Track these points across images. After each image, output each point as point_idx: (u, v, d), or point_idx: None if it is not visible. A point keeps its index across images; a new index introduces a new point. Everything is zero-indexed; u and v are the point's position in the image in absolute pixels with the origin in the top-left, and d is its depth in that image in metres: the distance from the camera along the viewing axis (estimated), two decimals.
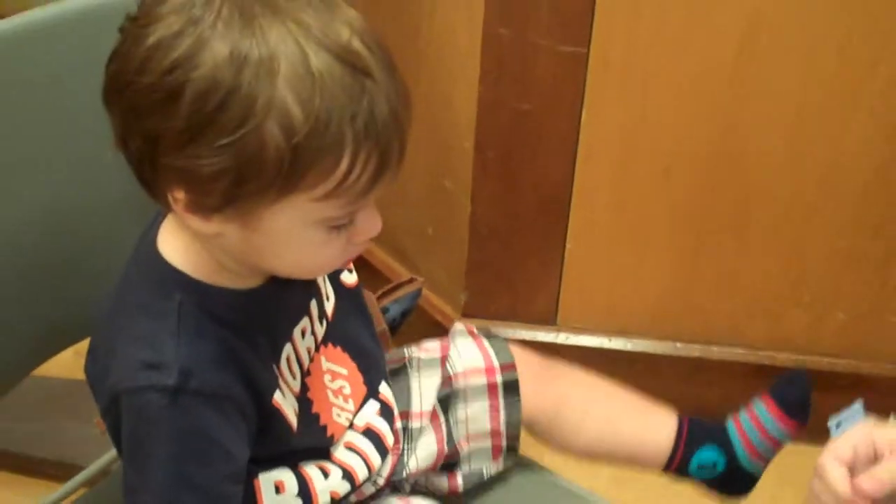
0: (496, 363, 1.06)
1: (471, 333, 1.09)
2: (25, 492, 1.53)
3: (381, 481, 0.99)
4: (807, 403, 1.03)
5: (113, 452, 1.14)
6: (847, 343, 1.62)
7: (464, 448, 1.06)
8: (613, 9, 1.39)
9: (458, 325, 1.11)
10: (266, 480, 0.90)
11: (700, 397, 1.52)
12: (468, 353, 1.07)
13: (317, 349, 0.93)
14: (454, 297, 1.67)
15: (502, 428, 1.06)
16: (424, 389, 1.06)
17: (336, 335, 0.95)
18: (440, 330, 1.57)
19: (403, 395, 1.06)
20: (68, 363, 1.56)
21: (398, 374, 1.08)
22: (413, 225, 1.71)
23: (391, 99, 0.72)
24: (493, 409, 1.06)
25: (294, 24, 0.69)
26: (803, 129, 1.46)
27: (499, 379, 1.06)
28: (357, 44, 0.71)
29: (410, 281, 1.50)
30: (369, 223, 0.79)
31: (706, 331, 1.64)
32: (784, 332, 1.62)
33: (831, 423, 0.91)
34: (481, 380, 1.06)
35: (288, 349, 0.88)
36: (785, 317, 1.62)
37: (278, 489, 0.90)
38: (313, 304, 0.92)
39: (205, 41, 0.69)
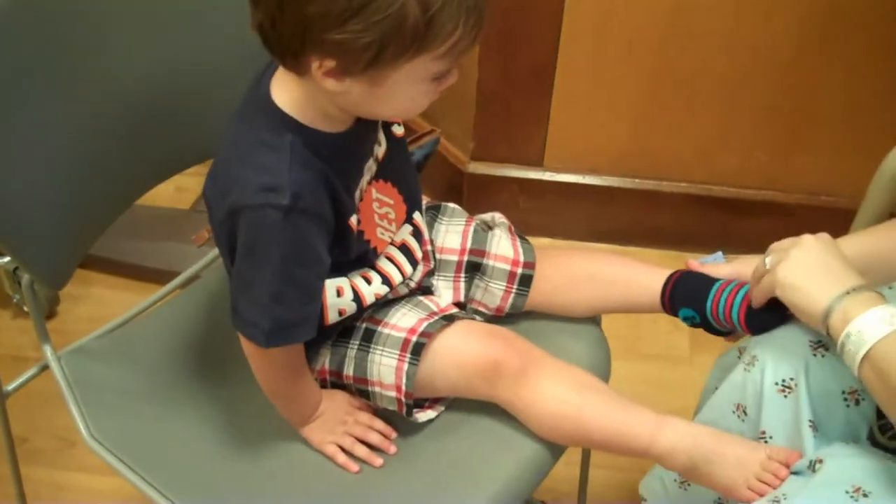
0: (521, 259, 1.13)
1: (510, 230, 1.15)
2: (137, 292, 1.68)
3: (412, 284, 1.08)
4: (768, 329, 1.01)
5: (202, 262, 1.28)
6: (767, 178, 1.78)
7: (470, 306, 1.15)
8: None
9: (501, 219, 1.17)
10: (329, 286, 0.99)
11: (654, 220, 1.82)
12: (504, 244, 1.13)
13: (370, 182, 1.01)
14: (464, 145, 1.82)
15: (507, 308, 1.14)
16: (450, 233, 1.15)
17: (387, 172, 1.03)
18: (454, 170, 1.81)
19: (431, 230, 1.15)
20: (169, 195, 1.80)
21: (430, 212, 1.16)
22: None
23: None
24: (507, 291, 1.13)
25: None
26: (739, 13, 1.58)
27: (519, 271, 1.12)
28: None
29: (431, 132, 1.73)
30: (455, 74, 0.89)
31: (659, 169, 1.80)
32: (719, 169, 1.78)
33: (697, 262, 1.09)
34: (507, 267, 1.12)
35: (361, 181, 0.99)
36: (719, 158, 1.77)
37: (339, 293, 1.01)
38: (374, 148, 1.01)
39: None
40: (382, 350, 1.03)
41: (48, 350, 1.11)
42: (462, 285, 1.14)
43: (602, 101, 1.73)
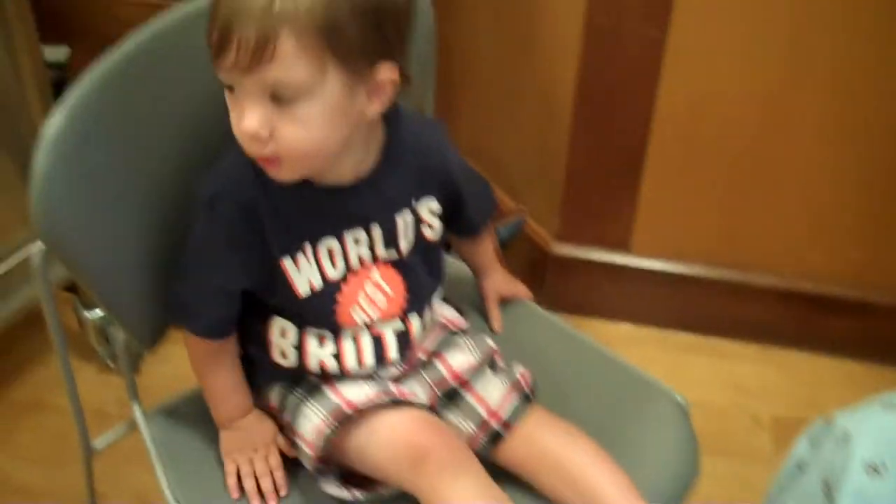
0: (503, 416, 1.04)
1: (513, 387, 1.06)
2: None
3: (377, 378, 1.04)
4: None
5: None
6: (857, 276, 1.73)
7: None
8: (690, 4, 1.51)
9: (519, 369, 1.09)
10: (275, 323, 1.01)
11: (738, 312, 1.79)
12: (494, 390, 1.06)
13: (374, 261, 1.00)
14: (549, 224, 1.81)
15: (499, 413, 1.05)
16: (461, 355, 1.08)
17: (402, 266, 1.02)
18: (538, 250, 1.81)
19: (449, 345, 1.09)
20: None
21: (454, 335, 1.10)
22: (522, 167, 1.83)
23: None
24: (474, 437, 1.05)
25: None
26: (837, 105, 1.55)
27: (494, 425, 1.05)
28: None
29: (518, 210, 1.79)
30: None
31: (746, 260, 1.76)
32: (808, 264, 1.74)
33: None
34: (482, 413, 1.05)
35: (330, 242, 0.97)
36: (809, 252, 1.73)
37: (283, 334, 1.01)
38: (377, 228, 0.98)
39: None
40: (316, 409, 1.01)
41: (138, 410, 1.12)
42: (438, 402, 1.08)
43: (692, 188, 1.72)
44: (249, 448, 1.05)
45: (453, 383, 1.07)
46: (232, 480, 1.05)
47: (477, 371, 1.07)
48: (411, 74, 0.92)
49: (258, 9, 0.80)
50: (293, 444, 1.05)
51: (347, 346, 1.02)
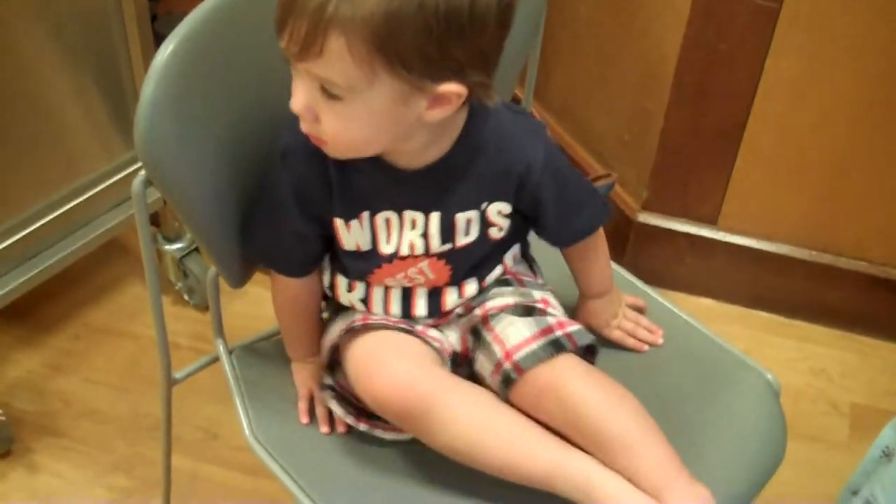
0: (515, 357, 1.00)
1: (544, 330, 1.01)
2: None
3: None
4: None
5: None
6: None
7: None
8: None
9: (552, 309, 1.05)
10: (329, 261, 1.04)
11: (825, 296, 1.76)
12: (513, 330, 1.02)
13: (426, 253, 0.99)
14: (637, 193, 1.79)
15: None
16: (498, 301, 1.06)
17: (451, 256, 1.00)
18: (623, 217, 1.79)
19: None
20: None
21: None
22: (613, 133, 1.81)
23: None
24: (491, 376, 1.02)
25: None
26: None
27: (505, 366, 1.00)
28: None
29: (607, 175, 1.76)
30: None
31: (837, 244, 1.73)
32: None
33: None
34: (498, 352, 1.01)
35: (390, 215, 0.97)
36: None
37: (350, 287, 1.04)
38: (435, 219, 0.97)
39: None
40: (339, 324, 1.04)
41: (221, 345, 1.13)
42: (469, 342, 1.06)
43: (787, 167, 1.69)
44: (321, 378, 1.07)
45: (479, 323, 1.04)
46: (304, 405, 1.07)
47: (506, 312, 1.03)
48: (490, 84, 0.88)
49: (315, 4, 0.79)
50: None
51: (376, 295, 1.03)
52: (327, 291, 1.07)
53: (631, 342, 1.14)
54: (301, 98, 0.86)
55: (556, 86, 1.90)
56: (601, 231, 1.10)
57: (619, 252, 1.80)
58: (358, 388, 0.97)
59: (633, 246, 1.82)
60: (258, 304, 1.70)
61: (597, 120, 1.84)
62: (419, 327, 1.03)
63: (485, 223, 0.99)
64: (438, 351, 1.01)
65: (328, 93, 0.84)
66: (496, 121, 0.95)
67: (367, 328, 1.00)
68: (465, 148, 0.94)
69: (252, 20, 0.96)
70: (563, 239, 1.09)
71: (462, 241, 0.99)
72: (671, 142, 1.71)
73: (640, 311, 1.19)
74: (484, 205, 0.98)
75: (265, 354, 1.16)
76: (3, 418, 1.51)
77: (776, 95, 1.61)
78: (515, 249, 1.09)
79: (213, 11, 0.94)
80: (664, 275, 1.82)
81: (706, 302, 1.84)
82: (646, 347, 1.15)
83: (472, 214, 0.98)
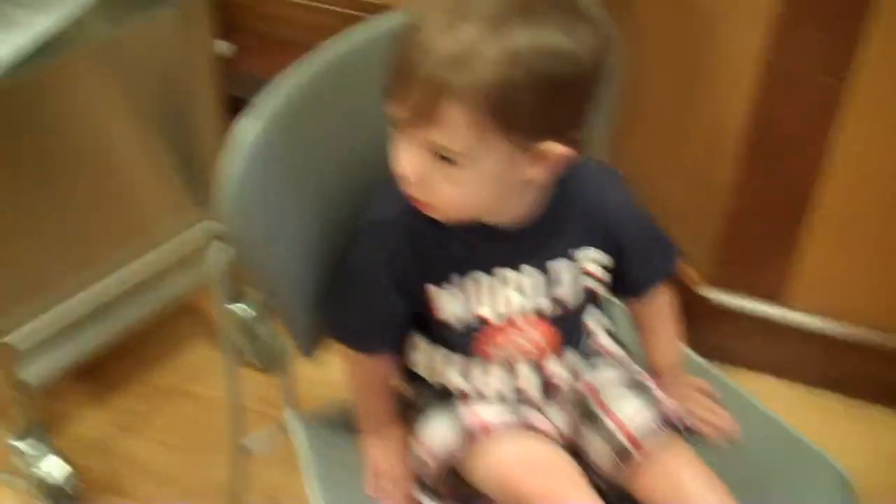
0: (636, 435, 1.01)
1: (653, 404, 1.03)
2: None
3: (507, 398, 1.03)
4: None
5: None
6: None
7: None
8: (873, 56, 1.44)
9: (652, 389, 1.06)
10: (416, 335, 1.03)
11: (894, 379, 1.72)
12: (627, 405, 1.03)
13: (524, 311, 0.99)
14: (698, 265, 1.76)
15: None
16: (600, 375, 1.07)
17: (561, 321, 1.01)
18: (684, 291, 1.74)
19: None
20: None
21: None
22: (677, 205, 1.71)
23: None
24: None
25: None
26: None
27: (625, 443, 1.00)
28: None
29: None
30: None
31: None
32: None
33: None
34: (617, 431, 1.01)
35: (479, 275, 0.97)
36: None
37: (414, 346, 1.04)
38: (530, 272, 0.97)
39: None
40: (445, 420, 1.02)
41: (293, 416, 1.13)
42: (580, 422, 1.05)
43: (855, 246, 1.66)
44: (391, 454, 1.08)
45: (588, 396, 1.04)
46: (373, 481, 1.07)
47: (614, 387, 1.04)
48: (581, 141, 0.90)
49: (435, 73, 0.80)
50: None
51: (476, 371, 1.02)
52: (420, 371, 1.06)
53: (707, 430, 1.12)
54: (411, 163, 0.86)
55: (624, 154, 1.87)
56: (671, 298, 1.11)
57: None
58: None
59: (695, 320, 1.78)
60: (323, 367, 1.75)
61: (663, 190, 1.76)
62: (529, 413, 1.03)
63: (580, 273, 1.00)
64: (562, 447, 1.02)
65: (442, 157, 0.84)
66: (579, 173, 0.97)
67: (487, 432, 1.00)
68: (555, 205, 0.96)
69: (338, 90, 0.98)
70: (646, 281, 1.09)
71: (566, 295, 0.99)
72: (738, 216, 1.68)
73: (709, 396, 1.17)
74: (572, 251, 0.99)
75: (335, 424, 1.16)
76: (71, 470, 1.52)
77: (844, 171, 1.59)
78: (603, 319, 1.09)
79: (297, 87, 0.96)
80: (726, 350, 1.77)
81: (769, 381, 1.80)
82: (722, 440, 1.13)
83: (564, 264, 0.98)
